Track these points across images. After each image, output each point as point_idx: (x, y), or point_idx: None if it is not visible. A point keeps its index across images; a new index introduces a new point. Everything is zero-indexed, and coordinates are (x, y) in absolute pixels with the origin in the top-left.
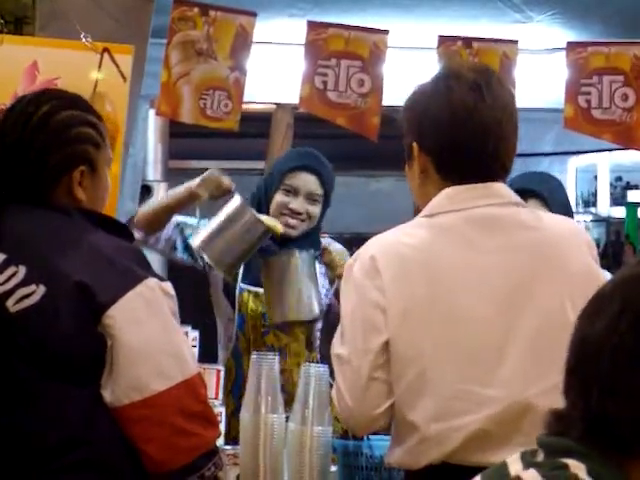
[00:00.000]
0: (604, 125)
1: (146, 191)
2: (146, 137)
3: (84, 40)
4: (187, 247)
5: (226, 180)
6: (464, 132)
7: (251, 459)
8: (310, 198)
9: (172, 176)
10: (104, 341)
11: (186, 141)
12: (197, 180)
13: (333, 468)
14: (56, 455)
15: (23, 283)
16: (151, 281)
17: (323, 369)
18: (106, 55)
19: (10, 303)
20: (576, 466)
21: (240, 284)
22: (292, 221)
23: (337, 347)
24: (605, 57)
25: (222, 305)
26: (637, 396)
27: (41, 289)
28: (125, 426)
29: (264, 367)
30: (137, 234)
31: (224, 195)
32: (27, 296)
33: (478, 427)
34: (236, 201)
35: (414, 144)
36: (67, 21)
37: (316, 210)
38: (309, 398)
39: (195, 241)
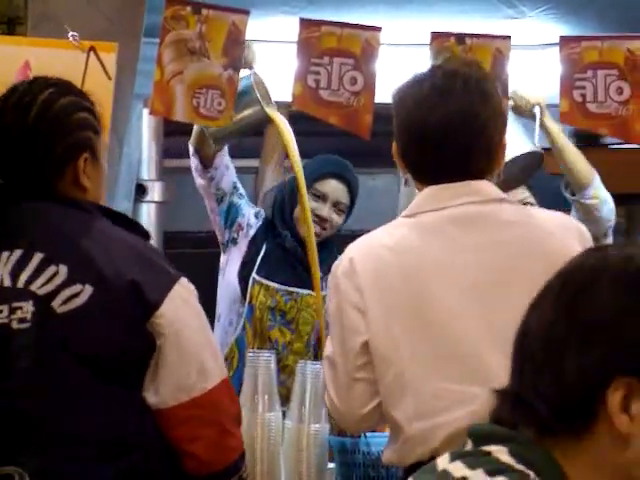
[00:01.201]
0: (600, 119)
1: (141, 190)
2: (140, 136)
3: (71, 39)
4: (228, 218)
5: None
6: (424, 130)
7: (248, 457)
8: (337, 207)
9: (167, 175)
10: (154, 341)
11: (180, 139)
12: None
13: (330, 465)
14: (111, 460)
15: (67, 283)
16: (184, 281)
17: (319, 367)
18: (92, 54)
19: (56, 304)
20: (498, 450)
21: (254, 275)
22: (316, 228)
23: (326, 348)
24: (599, 51)
25: (230, 289)
26: (560, 368)
27: (88, 289)
28: (169, 427)
29: (260, 365)
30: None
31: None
32: (74, 296)
33: (460, 425)
34: (247, 80)
35: (394, 144)
36: (59, 21)
37: (340, 220)
38: (305, 396)
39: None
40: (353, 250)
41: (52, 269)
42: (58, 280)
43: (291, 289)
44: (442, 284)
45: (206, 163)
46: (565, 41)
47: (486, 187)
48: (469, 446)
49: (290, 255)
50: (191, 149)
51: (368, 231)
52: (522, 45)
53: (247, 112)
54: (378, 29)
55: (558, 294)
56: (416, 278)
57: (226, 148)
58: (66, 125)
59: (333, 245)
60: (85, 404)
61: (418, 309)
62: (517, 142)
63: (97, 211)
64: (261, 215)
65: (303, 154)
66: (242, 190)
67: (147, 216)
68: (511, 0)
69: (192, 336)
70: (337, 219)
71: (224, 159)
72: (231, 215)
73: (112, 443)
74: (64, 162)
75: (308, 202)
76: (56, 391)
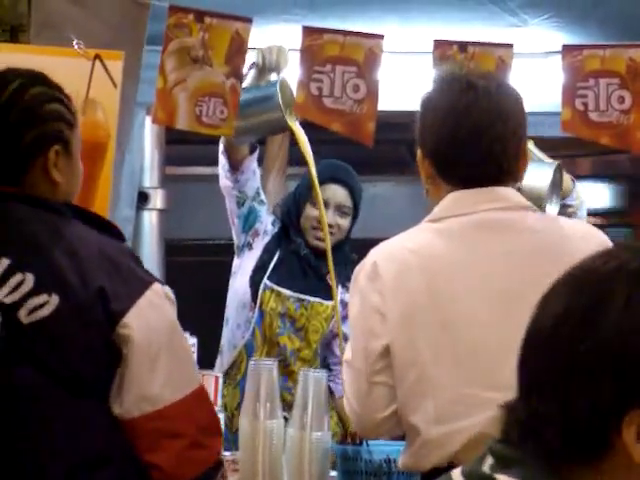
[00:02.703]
0: (602, 128)
1: (143, 198)
2: (142, 144)
3: (76, 47)
4: (247, 223)
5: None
6: (457, 134)
7: (250, 465)
8: (340, 210)
9: (169, 182)
10: (120, 351)
11: (182, 147)
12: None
13: (332, 473)
14: (83, 474)
15: (33, 292)
16: (156, 286)
17: (321, 374)
18: (98, 62)
19: (22, 314)
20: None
21: (266, 281)
22: (322, 234)
23: (345, 352)
24: (600, 60)
25: (240, 292)
26: (569, 400)
27: (54, 299)
28: (133, 438)
29: (263, 373)
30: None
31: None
32: (40, 307)
33: (479, 430)
34: (273, 85)
35: (418, 150)
36: (61, 29)
37: (346, 223)
38: (308, 403)
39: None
40: (376, 254)
41: (18, 277)
42: (24, 289)
43: (302, 296)
44: (465, 289)
45: (235, 165)
46: (567, 49)
47: (511, 194)
48: (488, 464)
49: (303, 262)
50: (221, 147)
51: (370, 239)
52: (524, 53)
53: (267, 116)
54: (381, 37)
55: (566, 309)
56: (439, 282)
57: (256, 154)
58: (36, 115)
59: (345, 252)
60: (52, 418)
61: (440, 313)
62: (538, 169)
63: (68, 211)
64: (277, 223)
65: (305, 161)
66: (264, 197)
67: (149, 224)
68: (513, 8)
69: (160, 345)
70: (342, 222)
71: (252, 164)
72: (250, 220)
73: (81, 458)
74: (33, 153)
75: (310, 210)
76: (22, 406)
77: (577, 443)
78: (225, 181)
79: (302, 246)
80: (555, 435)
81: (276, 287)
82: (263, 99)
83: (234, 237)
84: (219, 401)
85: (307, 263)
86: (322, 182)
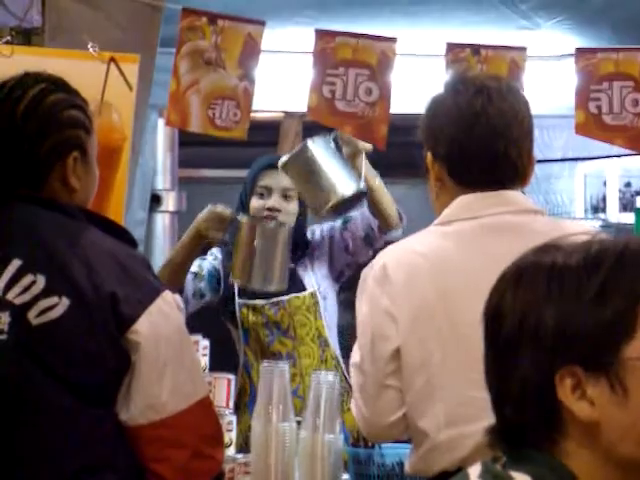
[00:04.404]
0: (615, 130)
1: (155, 200)
2: (155, 146)
3: (91, 50)
4: (211, 283)
5: (226, 210)
6: (471, 136)
7: (263, 468)
8: (285, 195)
9: (181, 185)
10: (129, 357)
11: (195, 150)
12: (198, 221)
13: (345, 476)
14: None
15: (44, 294)
16: (167, 294)
17: (334, 376)
18: (112, 65)
19: (32, 315)
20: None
21: (238, 300)
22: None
23: (353, 355)
24: (614, 63)
25: (231, 328)
26: (506, 376)
27: (64, 302)
28: (138, 445)
29: (275, 375)
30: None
31: (227, 225)
32: (50, 308)
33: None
34: (246, 223)
35: (428, 153)
36: (76, 32)
37: (291, 206)
38: (320, 406)
39: (236, 280)
40: (385, 256)
41: (29, 278)
42: (35, 290)
43: (275, 299)
44: (474, 293)
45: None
46: (581, 52)
47: (520, 198)
48: (501, 461)
49: None
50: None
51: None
52: (537, 56)
53: (278, 246)
54: (394, 40)
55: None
56: (448, 285)
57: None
58: (55, 122)
59: (301, 236)
60: (57, 422)
61: (449, 316)
62: (346, 181)
63: (82, 216)
64: (217, 252)
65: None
66: (195, 268)
67: (161, 226)
68: (526, 11)
69: (168, 353)
70: (287, 206)
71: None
72: (213, 284)
73: (86, 464)
74: (52, 160)
75: (255, 202)
76: (28, 408)
77: (530, 415)
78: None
79: None
80: (512, 412)
81: (250, 301)
82: (257, 236)
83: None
84: (231, 403)
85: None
86: (261, 171)
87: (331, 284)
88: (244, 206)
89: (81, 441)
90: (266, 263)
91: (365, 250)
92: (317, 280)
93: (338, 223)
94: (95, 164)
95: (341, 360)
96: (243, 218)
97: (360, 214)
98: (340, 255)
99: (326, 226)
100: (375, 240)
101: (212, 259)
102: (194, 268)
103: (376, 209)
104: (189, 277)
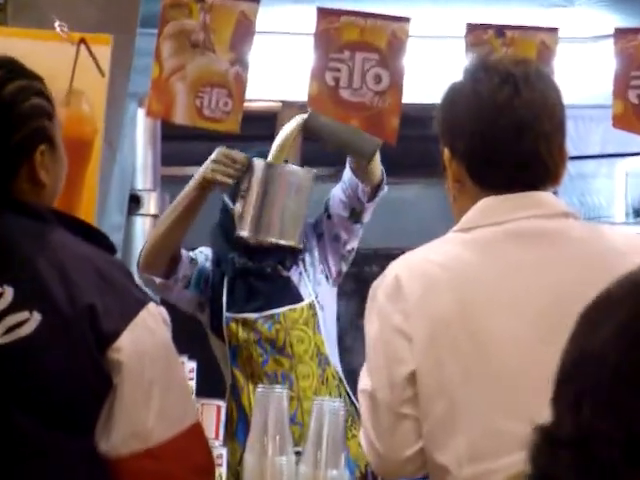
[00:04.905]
0: None
1: (135, 202)
2: (134, 140)
3: (59, 30)
4: (199, 281)
5: (239, 154)
6: (495, 129)
7: None
8: None
9: (164, 185)
10: (110, 378)
11: (180, 145)
12: (206, 165)
13: None
14: None
15: (12, 309)
16: (152, 306)
17: (338, 403)
18: (83, 47)
19: None
20: None
21: (225, 314)
22: None
23: (362, 380)
24: None
25: (217, 344)
26: (633, 416)
27: (35, 317)
28: (118, 479)
29: (271, 402)
30: (152, 282)
31: (241, 173)
32: (19, 325)
33: (519, 469)
34: (260, 166)
35: (445, 150)
36: (42, 9)
37: None
38: (322, 438)
39: (244, 231)
40: (398, 267)
41: None
42: (2, 304)
43: (269, 312)
44: (500, 308)
45: (166, 274)
46: (620, 33)
47: (552, 200)
48: None
49: (248, 276)
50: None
51: (394, 250)
52: (570, 38)
53: (299, 194)
54: (406, 20)
55: (629, 312)
56: (471, 300)
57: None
58: (18, 115)
59: None
60: (27, 453)
61: (473, 335)
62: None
63: (54, 219)
64: (208, 251)
65: (318, 162)
66: (194, 254)
67: (142, 232)
68: None
69: (155, 372)
70: None
71: (183, 256)
72: (201, 284)
73: None
74: (18, 159)
75: (237, 205)
76: None
77: None
78: (168, 293)
79: (235, 260)
80: (614, 451)
81: (238, 315)
82: (271, 182)
83: (199, 315)
84: (221, 434)
85: (251, 274)
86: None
87: (329, 290)
88: (229, 209)
89: (50, 474)
90: (283, 213)
91: (356, 229)
92: (314, 288)
93: (320, 216)
94: (62, 148)
95: (344, 379)
96: (259, 161)
97: (335, 195)
98: (334, 250)
99: (308, 229)
100: (363, 212)
101: (204, 259)
102: (191, 253)
103: (364, 169)
104: (185, 258)
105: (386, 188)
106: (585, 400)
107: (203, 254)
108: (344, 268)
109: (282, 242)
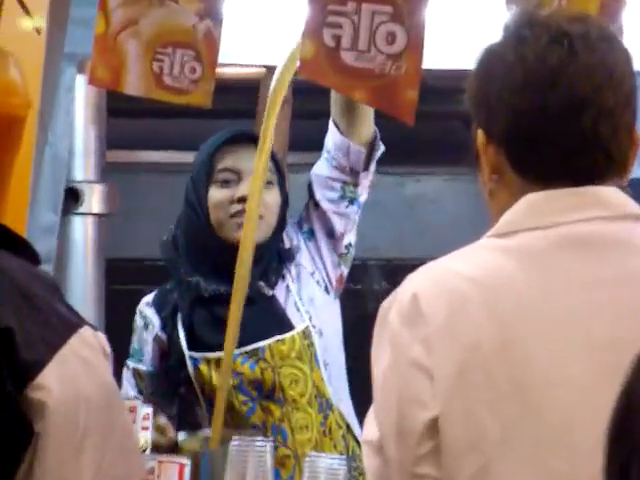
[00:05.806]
0: None
1: (73, 197)
2: (72, 117)
3: None
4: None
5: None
6: (544, 105)
7: None
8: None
9: (111, 174)
10: (30, 425)
11: (132, 123)
12: None
13: None
14: None
15: None
16: (87, 332)
17: (338, 461)
18: None
19: None
20: None
21: (189, 354)
22: (242, 218)
23: (366, 428)
24: None
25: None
26: None
27: None
28: None
29: (250, 460)
30: None
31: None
32: None
33: None
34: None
35: (479, 131)
36: None
37: (273, 198)
38: None
39: None
40: (416, 283)
41: None
42: None
43: (249, 347)
44: (549, 337)
45: None
46: None
47: (619, 197)
48: None
49: (218, 304)
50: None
51: (413, 260)
52: None
53: None
54: None
55: None
56: (510, 326)
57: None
58: None
59: (278, 246)
60: None
61: (513, 373)
62: None
63: None
64: (153, 315)
65: (313, 146)
66: (131, 362)
67: (82, 236)
68: None
69: (90, 420)
70: (266, 196)
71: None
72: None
73: None
74: None
75: (216, 192)
76: None
77: None
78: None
79: (201, 284)
80: None
81: (210, 354)
82: None
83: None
84: None
85: (222, 301)
86: (220, 149)
87: (329, 305)
88: (200, 205)
89: None
90: None
91: (352, 214)
92: (306, 308)
93: (304, 209)
94: None
95: (354, 425)
96: (184, 441)
97: (317, 174)
98: (330, 249)
99: (292, 229)
100: (358, 185)
101: (147, 333)
102: (132, 362)
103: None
104: (128, 375)
105: (382, 147)
106: (633, 464)
107: (142, 340)
108: (345, 271)
109: None
